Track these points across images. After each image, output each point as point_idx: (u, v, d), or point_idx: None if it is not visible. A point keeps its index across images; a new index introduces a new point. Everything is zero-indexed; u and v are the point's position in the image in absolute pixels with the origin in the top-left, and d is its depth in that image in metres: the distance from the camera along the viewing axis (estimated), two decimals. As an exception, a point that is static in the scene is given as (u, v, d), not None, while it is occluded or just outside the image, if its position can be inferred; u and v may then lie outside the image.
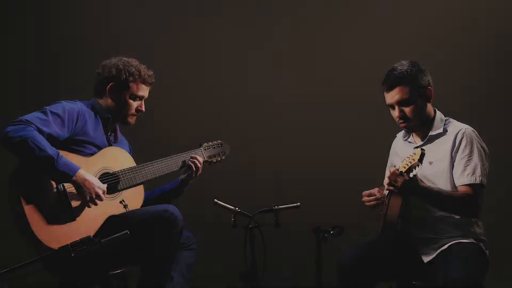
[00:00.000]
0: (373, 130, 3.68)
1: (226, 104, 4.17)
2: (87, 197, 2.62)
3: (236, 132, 4.07)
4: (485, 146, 2.73)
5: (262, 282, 2.73)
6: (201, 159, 3.02)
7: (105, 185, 2.69)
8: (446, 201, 2.64)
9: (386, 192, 2.71)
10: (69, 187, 2.60)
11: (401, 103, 2.74)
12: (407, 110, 2.73)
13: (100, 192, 2.64)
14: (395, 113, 2.77)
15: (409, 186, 2.58)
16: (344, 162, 4.01)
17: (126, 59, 2.93)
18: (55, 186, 2.58)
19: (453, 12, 4.00)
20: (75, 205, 2.61)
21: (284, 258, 3.76)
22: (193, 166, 2.97)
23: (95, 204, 2.65)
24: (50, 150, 2.52)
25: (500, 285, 3.45)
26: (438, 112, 2.82)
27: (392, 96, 2.75)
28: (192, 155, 3.01)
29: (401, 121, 2.77)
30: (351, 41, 4.10)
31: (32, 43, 4.19)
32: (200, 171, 3.01)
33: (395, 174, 2.60)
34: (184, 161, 2.99)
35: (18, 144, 2.48)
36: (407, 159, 2.58)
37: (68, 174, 2.56)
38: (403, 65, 2.76)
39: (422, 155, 2.52)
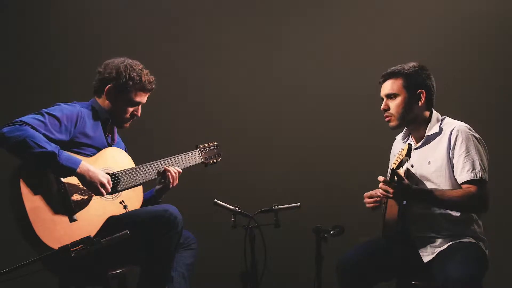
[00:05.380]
0: (374, 131, 3.67)
1: (226, 104, 4.16)
2: (93, 187, 2.60)
3: (237, 132, 4.07)
4: (481, 139, 2.74)
5: (262, 282, 2.73)
6: (174, 171, 2.92)
7: (108, 176, 2.68)
8: (448, 201, 2.64)
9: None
10: (70, 188, 2.60)
11: (388, 96, 2.81)
12: (392, 103, 2.79)
13: (105, 181, 2.63)
14: (381, 105, 2.83)
15: (401, 192, 2.61)
16: (345, 162, 4.01)
17: (130, 61, 2.86)
18: (56, 186, 2.58)
19: (454, 12, 4.00)
20: (76, 206, 2.61)
21: (284, 258, 3.76)
22: (169, 177, 2.89)
23: (102, 194, 2.64)
24: (50, 146, 2.50)
25: (500, 285, 3.45)
26: (434, 112, 2.84)
27: (383, 88, 2.84)
28: (166, 167, 2.91)
29: (385, 114, 2.82)
30: (351, 41, 4.10)
31: (31, 43, 4.19)
32: (176, 182, 2.93)
33: (384, 183, 2.62)
34: (158, 171, 2.91)
35: (16, 144, 2.45)
36: (397, 155, 2.64)
37: (71, 168, 2.55)
38: (407, 64, 2.82)
39: (409, 150, 2.56)
